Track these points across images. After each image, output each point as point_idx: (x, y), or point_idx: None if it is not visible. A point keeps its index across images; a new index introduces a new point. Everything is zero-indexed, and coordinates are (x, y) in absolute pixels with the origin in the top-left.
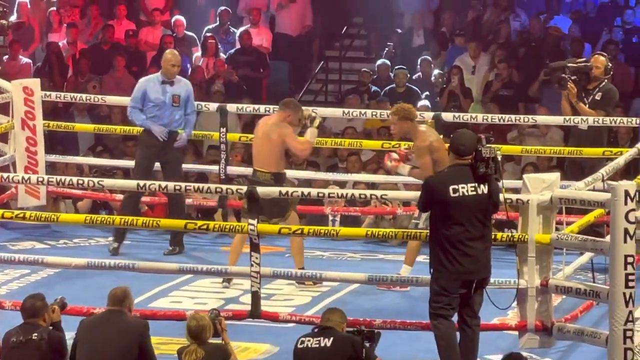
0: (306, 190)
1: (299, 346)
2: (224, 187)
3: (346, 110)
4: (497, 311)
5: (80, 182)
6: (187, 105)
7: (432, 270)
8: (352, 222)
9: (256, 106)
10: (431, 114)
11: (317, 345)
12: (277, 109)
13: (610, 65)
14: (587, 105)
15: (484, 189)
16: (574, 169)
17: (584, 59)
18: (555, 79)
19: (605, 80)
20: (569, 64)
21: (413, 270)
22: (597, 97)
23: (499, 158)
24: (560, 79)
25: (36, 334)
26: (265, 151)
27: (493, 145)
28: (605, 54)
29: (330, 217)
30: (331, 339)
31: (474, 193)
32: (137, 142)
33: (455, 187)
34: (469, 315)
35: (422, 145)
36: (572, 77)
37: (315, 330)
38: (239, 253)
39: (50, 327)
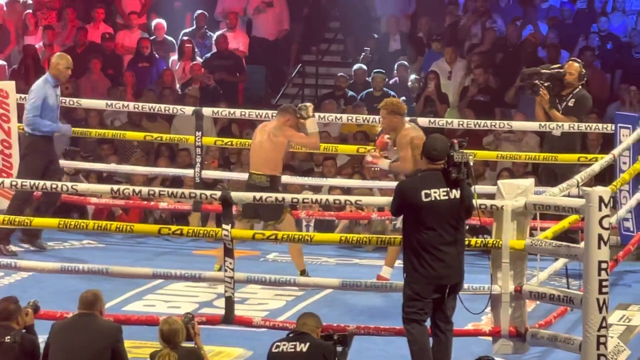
0: (280, 196)
1: (274, 350)
2: (198, 192)
3: (322, 114)
4: (471, 316)
5: (54, 186)
6: None
7: (405, 275)
8: (326, 227)
9: (232, 110)
10: (407, 119)
11: (293, 350)
12: (275, 116)
13: (585, 71)
14: (561, 112)
15: (456, 193)
16: (547, 175)
17: (558, 65)
18: (529, 85)
19: (579, 87)
20: (543, 70)
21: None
22: (570, 104)
23: (472, 163)
24: (532, 85)
25: (9, 337)
26: (263, 154)
27: (466, 151)
28: (579, 60)
29: (305, 222)
30: (307, 344)
31: (446, 198)
32: (31, 149)
33: (427, 191)
34: (442, 321)
35: (404, 140)
36: (546, 84)
37: (291, 335)
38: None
39: (24, 330)
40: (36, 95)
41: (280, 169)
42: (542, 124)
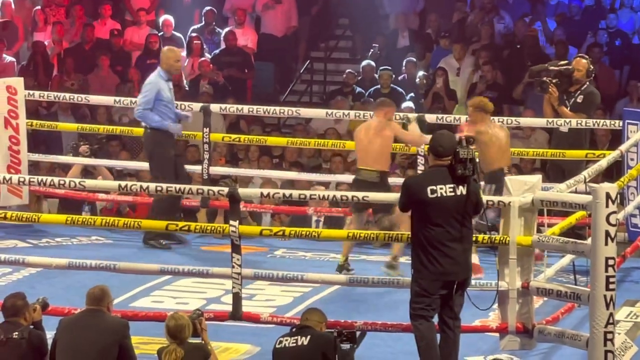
0: (288, 192)
1: (277, 346)
2: (205, 188)
3: (329, 111)
4: (479, 313)
5: (62, 182)
6: None
7: (412, 271)
8: (336, 222)
9: (239, 106)
10: (415, 115)
11: (295, 344)
12: (375, 111)
13: (592, 67)
14: (569, 108)
15: (462, 190)
16: (554, 172)
17: (565, 62)
18: (537, 83)
19: (587, 83)
20: (551, 67)
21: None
22: (579, 100)
23: (477, 159)
24: (541, 83)
25: (17, 333)
26: (374, 151)
27: (473, 147)
28: (586, 57)
29: (315, 217)
30: (308, 337)
31: (452, 194)
32: (149, 144)
33: (433, 187)
34: (450, 317)
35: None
36: (554, 80)
37: (294, 329)
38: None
39: (31, 327)
40: (149, 90)
41: (389, 165)
42: (550, 120)
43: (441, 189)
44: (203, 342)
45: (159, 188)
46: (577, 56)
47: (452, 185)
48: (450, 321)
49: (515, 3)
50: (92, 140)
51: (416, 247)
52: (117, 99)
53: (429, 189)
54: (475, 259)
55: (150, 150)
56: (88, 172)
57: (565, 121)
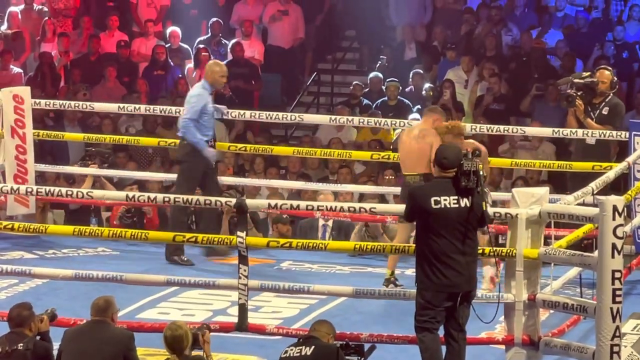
0: (295, 203)
1: (283, 355)
2: (213, 198)
3: (333, 117)
4: (485, 325)
5: (69, 192)
6: None
7: (417, 283)
8: (345, 230)
9: (241, 111)
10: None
11: (298, 354)
12: (422, 118)
13: (616, 79)
14: (594, 120)
15: (467, 202)
16: (575, 183)
17: (588, 74)
18: (564, 96)
19: (611, 95)
20: (575, 80)
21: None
22: (604, 112)
23: (482, 172)
24: (567, 96)
25: (22, 344)
26: (414, 157)
27: (477, 159)
28: (610, 68)
29: (322, 222)
30: (312, 347)
31: (456, 205)
32: (189, 156)
33: (437, 198)
34: (455, 329)
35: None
36: (578, 93)
37: (300, 340)
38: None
39: (38, 337)
40: (197, 101)
41: (429, 167)
42: (555, 130)
43: (445, 200)
44: (204, 354)
45: (166, 199)
46: (600, 68)
47: (456, 197)
48: (455, 333)
49: (523, 15)
50: (99, 157)
51: (420, 258)
52: (122, 105)
53: (432, 199)
54: (491, 271)
55: (181, 159)
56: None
57: (584, 132)
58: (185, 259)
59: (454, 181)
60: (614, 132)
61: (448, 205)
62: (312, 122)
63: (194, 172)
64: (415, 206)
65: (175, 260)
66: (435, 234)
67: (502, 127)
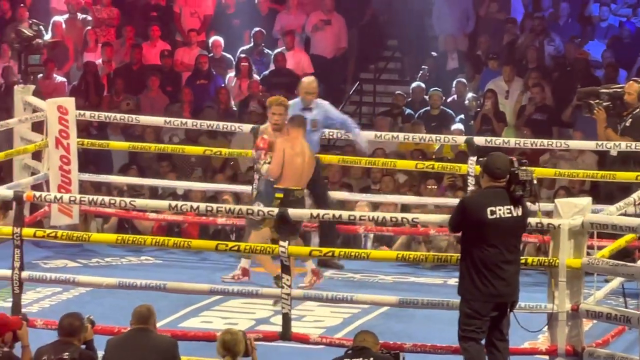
0: (337, 213)
1: None
2: (256, 208)
3: (378, 133)
4: (528, 335)
5: (113, 201)
6: (335, 120)
7: (462, 293)
8: (386, 240)
9: None
10: (464, 137)
11: None
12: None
13: None
14: (619, 132)
15: (518, 211)
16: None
17: (619, 85)
18: (585, 105)
19: (639, 107)
20: (603, 90)
21: (444, 294)
22: (627, 124)
23: (535, 181)
24: (588, 105)
25: (67, 353)
26: (308, 169)
27: (528, 168)
28: (639, 80)
29: (363, 235)
30: (371, 359)
31: (510, 215)
32: None
33: (493, 208)
34: (498, 339)
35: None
36: (605, 103)
37: (350, 351)
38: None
39: (83, 346)
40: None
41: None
42: (599, 143)
43: (499, 210)
44: None
45: (209, 208)
46: (630, 79)
47: (509, 207)
48: (498, 343)
49: (566, 25)
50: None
51: (468, 268)
52: (168, 119)
53: (488, 209)
54: (311, 264)
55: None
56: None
57: (615, 144)
58: (338, 262)
59: (507, 190)
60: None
61: (502, 215)
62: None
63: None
64: (467, 217)
65: (326, 263)
66: (487, 244)
67: (545, 141)
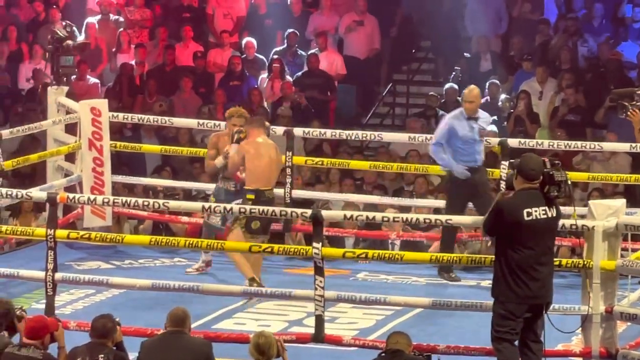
0: (371, 214)
1: None
2: (289, 210)
3: (412, 135)
4: (562, 337)
5: (146, 203)
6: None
7: (496, 295)
8: (413, 247)
9: (322, 130)
10: (497, 139)
11: None
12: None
13: None
14: None
15: (552, 212)
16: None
17: None
18: (620, 106)
19: None
20: (638, 91)
21: (477, 295)
22: None
23: (570, 182)
24: (623, 106)
25: (102, 355)
26: (276, 169)
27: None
28: None
29: (390, 241)
30: None
31: (545, 217)
32: (446, 181)
33: (529, 210)
34: (532, 340)
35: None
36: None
37: (383, 354)
38: (245, 261)
39: (114, 348)
40: (441, 127)
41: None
42: (633, 145)
43: (535, 211)
44: None
45: (242, 210)
46: None
47: (544, 208)
48: (532, 344)
49: (600, 26)
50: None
51: (502, 270)
52: (201, 121)
53: (525, 211)
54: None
55: (444, 186)
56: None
57: None
58: (454, 275)
59: (541, 191)
60: None
61: (538, 217)
62: (391, 140)
63: (453, 195)
64: (504, 219)
65: (444, 276)
66: (524, 245)
67: (579, 143)
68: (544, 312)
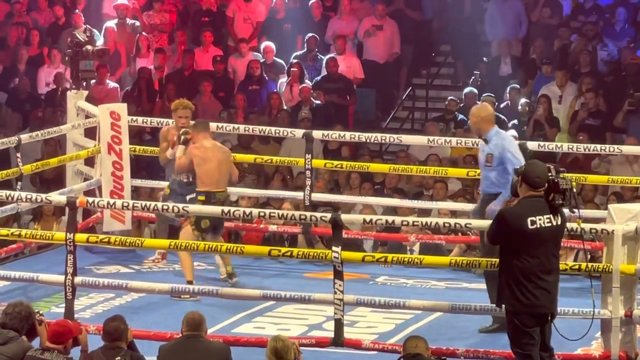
0: (390, 218)
1: None
2: (308, 214)
3: (431, 138)
4: (581, 341)
5: (165, 207)
6: (506, 164)
7: (503, 306)
8: (432, 251)
9: (342, 133)
10: (517, 142)
11: None
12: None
13: None
14: None
15: (557, 220)
16: None
17: None
18: None
19: None
20: None
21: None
22: None
23: (574, 189)
24: None
25: (119, 358)
26: (226, 171)
27: (567, 175)
28: None
29: (409, 246)
30: None
31: (550, 225)
32: None
33: (533, 218)
34: (543, 350)
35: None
36: None
37: (402, 359)
38: (190, 264)
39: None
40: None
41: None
42: None
43: (540, 219)
44: None
45: (262, 214)
46: None
47: (549, 216)
48: (544, 354)
49: (622, 30)
50: None
51: (508, 279)
52: (220, 125)
53: (529, 220)
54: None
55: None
56: None
57: None
58: None
59: (546, 199)
60: None
61: (543, 225)
62: (410, 143)
63: None
64: (507, 228)
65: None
66: (529, 254)
67: (598, 147)
68: (550, 321)
